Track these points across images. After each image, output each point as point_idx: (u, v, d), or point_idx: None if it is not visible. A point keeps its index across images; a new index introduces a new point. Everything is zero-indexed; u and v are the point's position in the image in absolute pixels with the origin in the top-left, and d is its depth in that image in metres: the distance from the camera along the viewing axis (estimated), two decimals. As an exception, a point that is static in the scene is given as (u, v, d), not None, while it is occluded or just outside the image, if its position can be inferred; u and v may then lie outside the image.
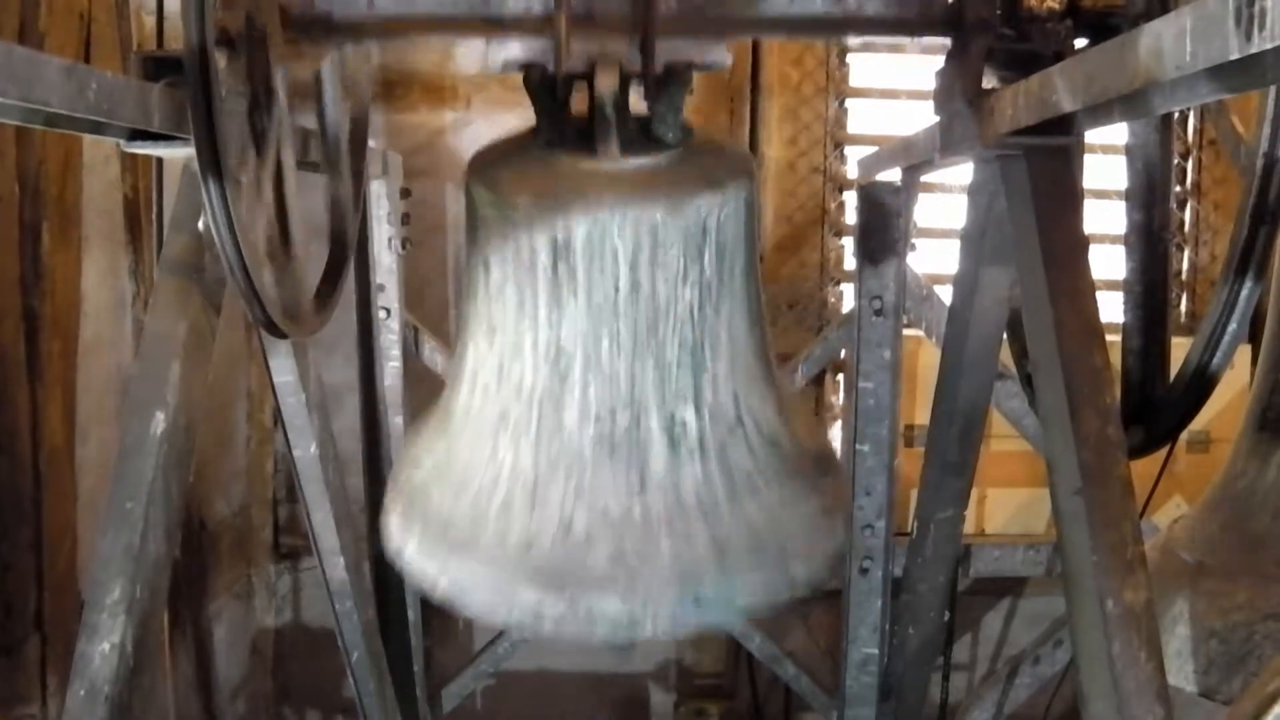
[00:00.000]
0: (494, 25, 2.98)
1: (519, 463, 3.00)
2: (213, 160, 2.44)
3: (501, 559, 2.95)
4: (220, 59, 2.52)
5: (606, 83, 2.82)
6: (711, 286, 2.94)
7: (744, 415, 3.04)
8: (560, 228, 2.84)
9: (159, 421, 2.86)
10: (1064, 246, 2.76)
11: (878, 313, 4.66)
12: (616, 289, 2.87)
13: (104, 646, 2.72)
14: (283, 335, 3.02)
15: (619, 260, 2.85)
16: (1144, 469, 2.95)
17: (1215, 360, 2.88)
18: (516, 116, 3.16)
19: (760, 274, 3.13)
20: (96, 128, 2.59)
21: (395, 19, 3.05)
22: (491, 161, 3.02)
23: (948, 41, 3.02)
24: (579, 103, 2.95)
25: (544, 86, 2.94)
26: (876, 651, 5.07)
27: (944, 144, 3.06)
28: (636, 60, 2.87)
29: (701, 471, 2.99)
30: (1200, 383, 2.92)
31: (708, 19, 3.01)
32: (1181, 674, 3.46)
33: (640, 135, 2.94)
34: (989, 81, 2.94)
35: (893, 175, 4.43)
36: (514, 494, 2.97)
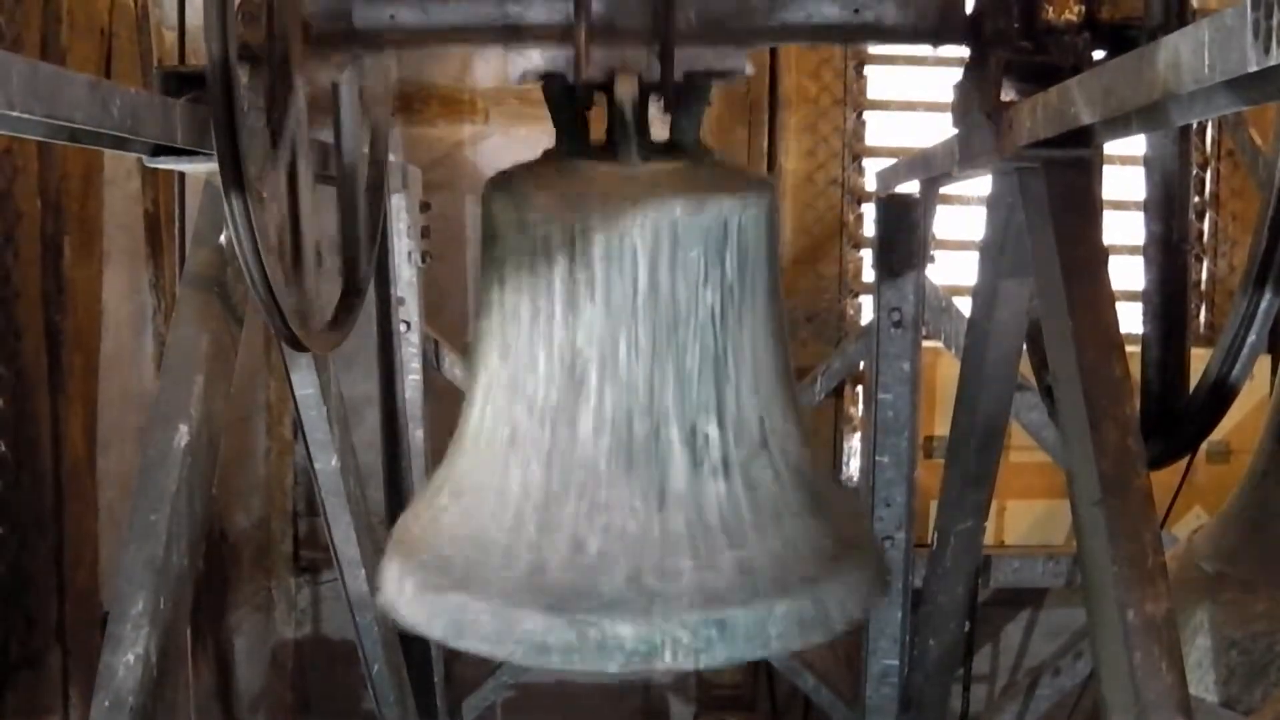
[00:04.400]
0: (513, 35, 2.98)
1: (529, 481, 2.80)
2: (235, 175, 2.45)
3: (505, 586, 2.69)
4: (242, 74, 2.54)
5: (626, 89, 2.79)
6: (734, 292, 2.82)
7: (769, 437, 2.87)
8: (578, 226, 2.75)
9: (182, 434, 2.87)
10: (1083, 258, 2.76)
11: (897, 325, 4.66)
12: (635, 290, 2.74)
13: (128, 658, 2.73)
14: (304, 348, 3.04)
15: (638, 259, 2.74)
16: (1164, 480, 2.95)
17: (1235, 371, 2.87)
18: (535, 130, 3.18)
19: (782, 293, 3.03)
20: (120, 143, 2.61)
21: (416, 30, 3.05)
22: (509, 175, 2.97)
23: (966, 53, 3.02)
24: (598, 118, 2.96)
25: (563, 97, 2.94)
26: (897, 663, 5.07)
27: (962, 156, 3.07)
28: (656, 70, 2.86)
29: (726, 490, 2.79)
30: (1220, 394, 2.91)
31: (727, 29, 3.02)
32: (1202, 684, 3.45)
33: (660, 147, 2.94)
34: (1007, 94, 2.94)
35: (911, 187, 4.44)
36: (524, 515, 2.78)
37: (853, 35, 3.14)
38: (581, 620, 2.61)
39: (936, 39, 3.09)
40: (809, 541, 2.82)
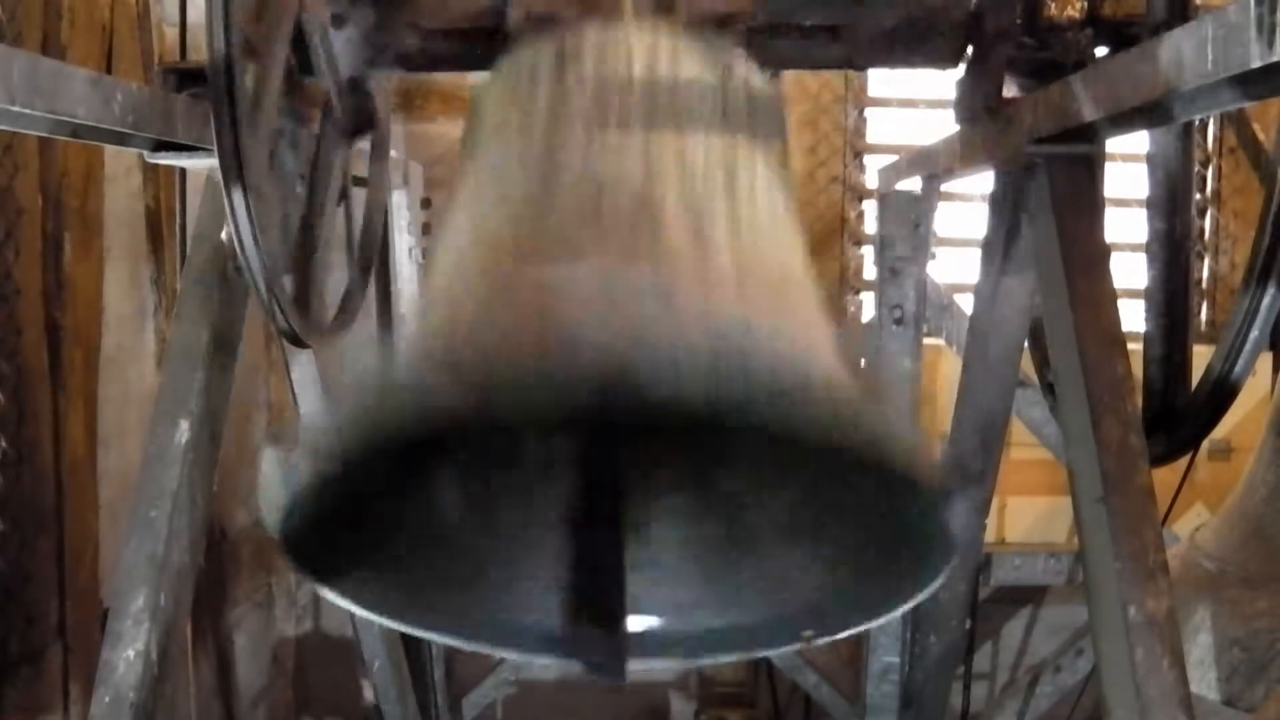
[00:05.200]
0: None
1: (500, 226, 2.30)
2: (236, 171, 2.45)
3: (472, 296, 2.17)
4: (243, 69, 2.54)
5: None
6: (741, 117, 2.41)
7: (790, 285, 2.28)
8: (569, 37, 2.46)
9: (183, 430, 2.87)
10: (1085, 255, 2.76)
11: (898, 322, 4.65)
12: (631, 83, 2.37)
13: (128, 654, 2.73)
14: (305, 345, 3.03)
15: (633, 57, 2.40)
16: (1165, 477, 2.95)
17: (1237, 368, 2.87)
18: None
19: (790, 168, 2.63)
20: (121, 139, 2.61)
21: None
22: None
23: (968, 50, 3.02)
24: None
25: None
26: (897, 660, 5.06)
27: (964, 153, 3.07)
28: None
29: (729, 252, 2.20)
30: (1222, 391, 2.91)
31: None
32: (1204, 682, 3.46)
33: None
34: (1009, 90, 2.94)
35: (913, 184, 4.43)
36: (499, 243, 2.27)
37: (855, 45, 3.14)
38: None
39: (939, 40, 3.09)
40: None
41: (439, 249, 2.48)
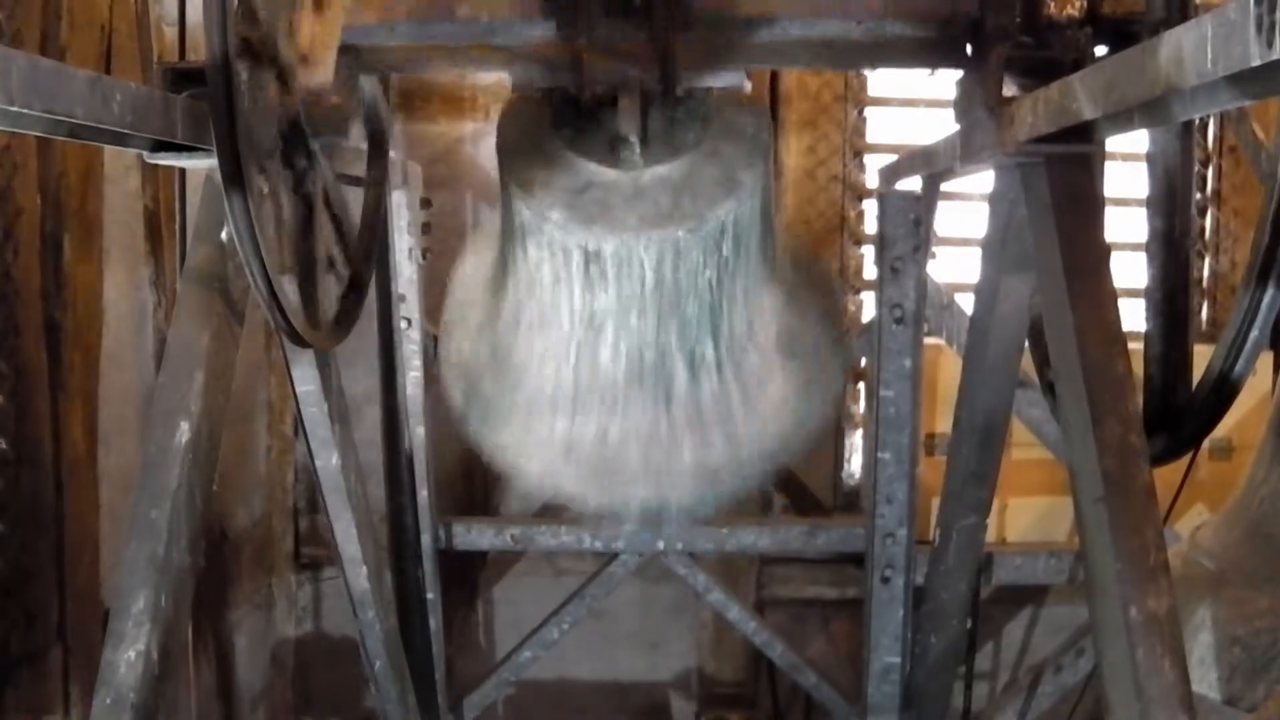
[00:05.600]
0: (515, 57, 3.02)
1: (561, 379, 3.51)
2: (235, 171, 2.44)
3: (549, 451, 3.63)
4: (242, 70, 2.53)
5: (628, 112, 2.95)
6: (729, 262, 3.26)
7: (755, 323, 3.50)
8: (591, 242, 3.13)
9: (183, 431, 2.87)
10: (1085, 254, 2.76)
11: (898, 321, 4.66)
12: (643, 285, 3.20)
13: (129, 654, 2.73)
14: (305, 345, 3.03)
15: (645, 266, 3.15)
16: (1166, 476, 2.95)
17: (1237, 367, 2.87)
18: (535, 127, 3.21)
19: (773, 208, 3.60)
20: (120, 139, 2.60)
21: (415, 51, 3.11)
22: (521, 153, 3.24)
23: (968, 50, 3.02)
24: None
25: (566, 103, 2.99)
26: (898, 660, 5.07)
27: (964, 152, 3.07)
28: (656, 87, 2.94)
29: (718, 383, 3.51)
30: (1222, 390, 2.91)
31: (727, 50, 3.05)
32: (1205, 681, 3.45)
33: (662, 138, 3.03)
34: (1009, 89, 2.94)
35: (913, 183, 4.43)
36: (559, 401, 3.54)
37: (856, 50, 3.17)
38: (609, 488, 3.66)
39: (938, 40, 3.09)
40: (785, 384, 3.67)
41: (505, 325, 3.62)
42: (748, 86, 3.10)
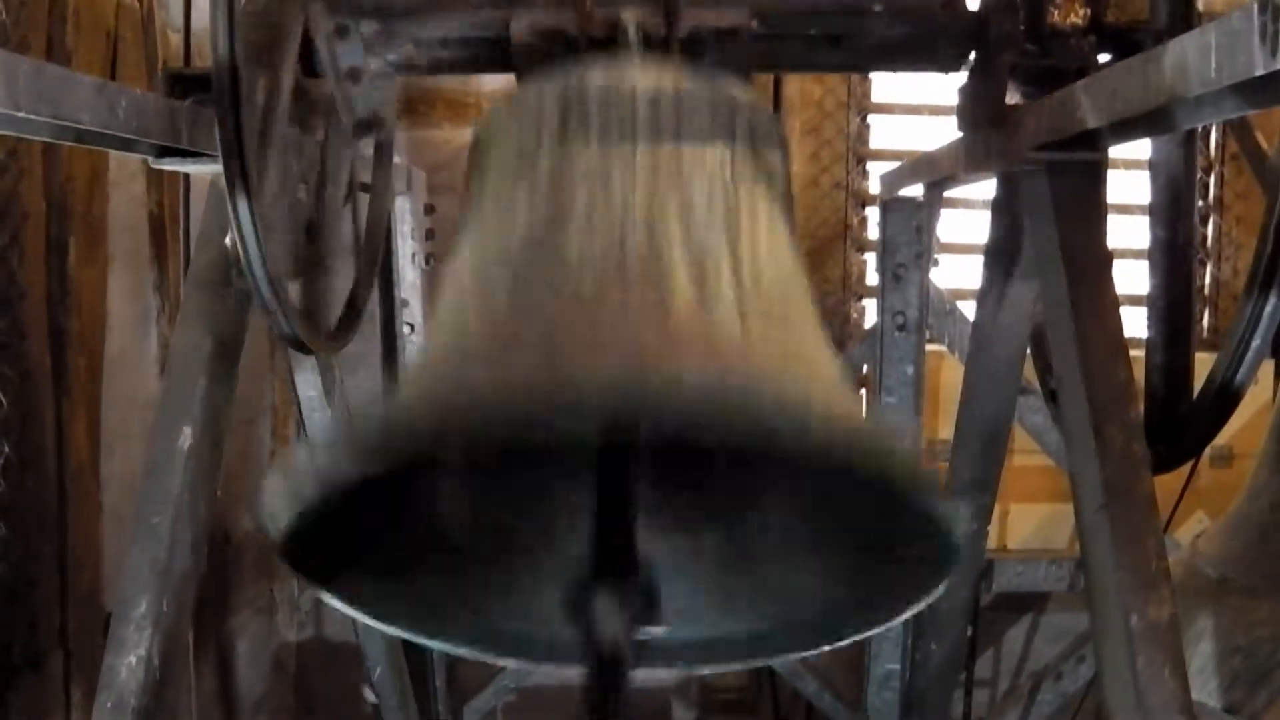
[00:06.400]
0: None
1: (498, 319, 2.23)
2: (240, 177, 2.45)
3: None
4: (247, 75, 2.54)
5: (631, 30, 2.76)
6: (745, 164, 2.43)
7: (791, 316, 2.32)
8: (573, 80, 2.50)
9: (186, 436, 2.87)
10: (1087, 262, 2.76)
11: (900, 328, 4.65)
12: (634, 132, 2.38)
13: (130, 660, 2.73)
14: (308, 351, 3.04)
15: (636, 104, 2.41)
16: (1167, 484, 2.95)
17: (1239, 376, 2.87)
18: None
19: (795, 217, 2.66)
20: (126, 145, 2.61)
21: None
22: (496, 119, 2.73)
23: (971, 57, 3.03)
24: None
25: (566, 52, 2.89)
26: (899, 667, 5.06)
27: (967, 159, 3.07)
28: (660, 29, 2.80)
29: (736, 308, 2.17)
30: (1224, 398, 2.91)
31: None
32: (1206, 690, 3.45)
33: None
34: (1012, 97, 2.94)
35: (915, 191, 4.43)
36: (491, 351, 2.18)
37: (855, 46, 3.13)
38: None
39: (942, 44, 3.09)
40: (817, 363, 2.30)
41: (446, 287, 2.48)
42: (751, 25, 3.00)
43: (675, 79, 2.54)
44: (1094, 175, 2.83)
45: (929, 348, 5.00)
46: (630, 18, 2.77)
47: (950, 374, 5.64)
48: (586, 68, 2.60)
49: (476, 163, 2.67)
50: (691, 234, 2.26)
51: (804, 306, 2.39)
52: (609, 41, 2.80)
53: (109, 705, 2.73)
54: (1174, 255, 3.08)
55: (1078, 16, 2.90)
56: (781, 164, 2.63)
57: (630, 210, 2.28)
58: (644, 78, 2.53)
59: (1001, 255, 3.50)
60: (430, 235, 5.11)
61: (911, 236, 4.54)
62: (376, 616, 2.48)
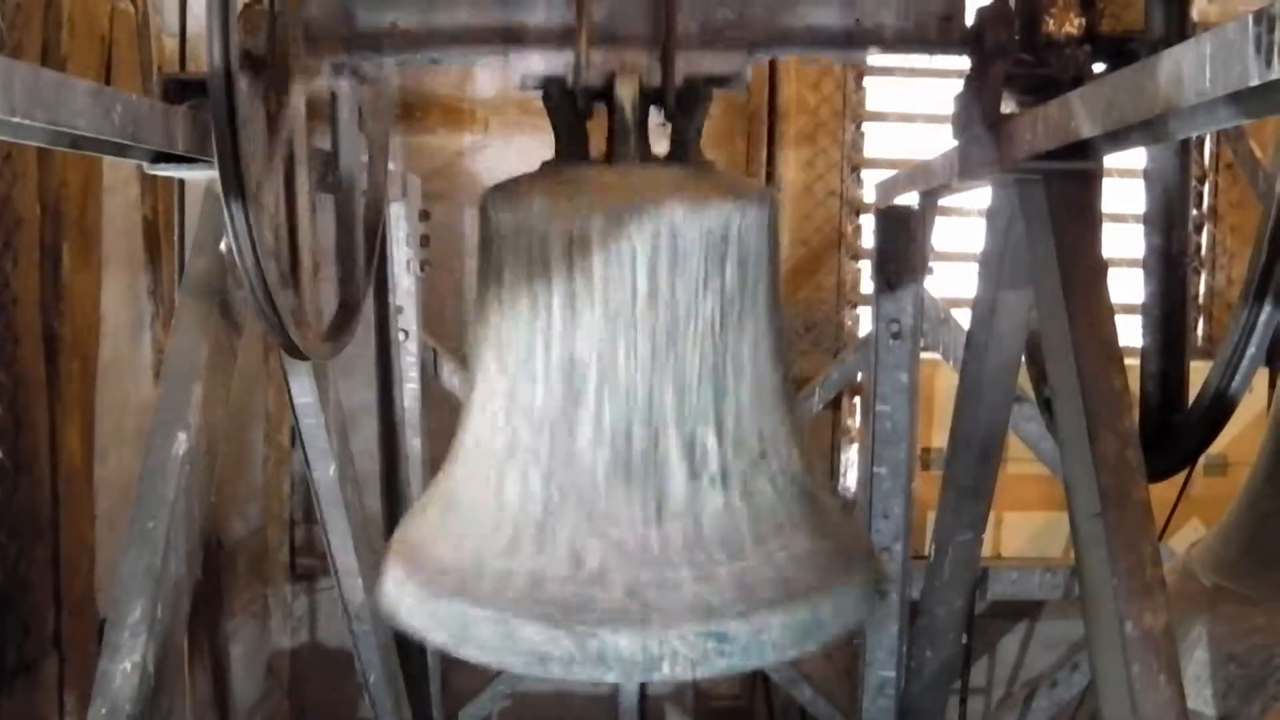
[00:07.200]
0: (514, 39, 2.98)
1: (528, 493, 2.74)
2: (236, 182, 2.45)
3: (505, 597, 2.64)
4: (243, 81, 2.54)
5: (627, 89, 2.79)
6: (734, 301, 2.75)
7: (766, 448, 2.82)
8: (576, 228, 2.67)
9: (181, 442, 2.87)
10: (1082, 270, 2.77)
11: (895, 336, 4.65)
12: (634, 294, 2.68)
13: (125, 665, 2.73)
14: (303, 357, 3.04)
15: (637, 261, 2.66)
16: (1162, 493, 2.95)
17: (1234, 384, 2.87)
18: (534, 139, 3.17)
19: (782, 303, 2.98)
20: (121, 150, 2.61)
21: (417, 35, 3.06)
22: (509, 183, 2.91)
23: (966, 65, 3.03)
24: (598, 132, 2.95)
25: (563, 103, 2.93)
26: (894, 674, 5.06)
27: (962, 168, 3.07)
28: (656, 75, 2.86)
29: (723, 501, 2.75)
30: (1218, 406, 2.91)
31: (727, 35, 3.02)
32: (1200, 698, 3.45)
33: (660, 156, 2.93)
34: (1007, 106, 2.95)
35: (910, 199, 4.44)
36: (521, 529, 2.73)
37: (855, 43, 3.13)
38: (581, 632, 2.57)
39: (937, 52, 3.10)
40: (805, 552, 2.78)
41: (470, 431, 2.93)
42: (748, 75, 3.04)
43: (671, 221, 2.68)
44: (1089, 184, 2.83)
45: (924, 356, 5.00)
46: (626, 85, 2.84)
47: (945, 382, 5.65)
48: (586, 217, 2.71)
49: (487, 250, 2.89)
50: (684, 410, 2.75)
51: (783, 437, 2.88)
52: (605, 94, 2.88)
53: (104, 710, 2.73)
54: (1169, 264, 3.08)
55: (1073, 26, 2.90)
56: (770, 248, 2.87)
57: (634, 401, 2.73)
58: (641, 228, 2.68)
59: (996, 263, 3.50)
60: (425, 242, 5.12)
61: (906, 245, 4.54)
62: None
